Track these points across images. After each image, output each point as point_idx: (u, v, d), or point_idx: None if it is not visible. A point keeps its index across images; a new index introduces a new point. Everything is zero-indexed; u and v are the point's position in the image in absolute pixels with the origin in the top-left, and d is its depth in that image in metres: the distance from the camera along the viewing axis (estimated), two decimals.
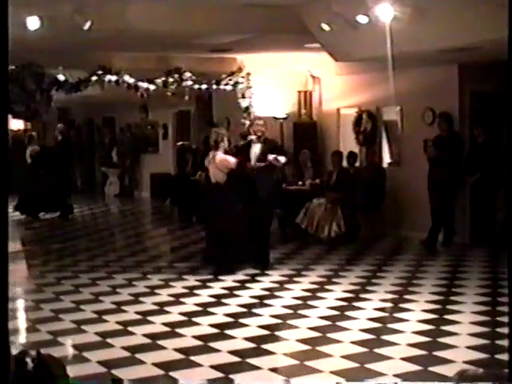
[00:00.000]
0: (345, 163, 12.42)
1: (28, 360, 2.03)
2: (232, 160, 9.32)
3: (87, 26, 8.68)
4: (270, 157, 9.52)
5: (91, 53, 11.72)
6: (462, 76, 11.08)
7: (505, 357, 5.81)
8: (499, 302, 7.61)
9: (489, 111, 11.23)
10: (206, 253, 9.94)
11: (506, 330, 6.55)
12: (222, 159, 9.31)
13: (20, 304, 8.29)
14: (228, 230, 9.21)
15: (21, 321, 7.37)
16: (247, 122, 13.19)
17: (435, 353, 5.98)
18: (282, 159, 9.60)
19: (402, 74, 10.84)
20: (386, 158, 12.67)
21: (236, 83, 13.11)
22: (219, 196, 9.27)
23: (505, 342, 6.19)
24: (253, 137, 9.93)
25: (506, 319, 6.92)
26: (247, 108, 13.35)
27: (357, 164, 12.57)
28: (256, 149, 9.80)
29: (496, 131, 11.19)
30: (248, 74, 13.12)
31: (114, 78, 12.07)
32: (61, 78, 11.82)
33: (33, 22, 8.82)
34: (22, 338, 6.79)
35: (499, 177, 10.83)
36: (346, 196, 11.61)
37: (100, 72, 11.98)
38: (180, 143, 18.26)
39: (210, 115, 16.48)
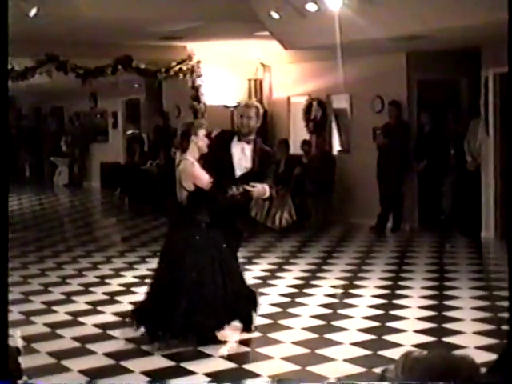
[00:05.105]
0: (299, 151, 12.46)
1: None
2: (204, 178, 5.96)
3: (33, 12, 8.53)
4: (252, 188, 6.20)
5: (39, 40, 11.51)
6: (409, 64, 11.22)
7: (451, 339, 5.95)
8: (446, 286, 7.78)
9: (435, 99, 11.41)
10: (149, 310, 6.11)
11: (452, 314, 6.70)
12: (188, 172, 5.96)
13: None
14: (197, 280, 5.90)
15: None
16: (201, 108, 13.04)
17: (384, 337, 6.08)
18: (267, 191, 6.36)
19: (351, 62, 10.92)
20: (336, 146, 12.77)
21: (186, 71, 13.05)
22: (185, 224, 6.08)
23: (451, 325, 6.34)
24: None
25: (452, 303, 7.08)
26: (197, 96, 13.32)
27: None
28: (242, 154, 6.37)
29: (442, 119, 11.39)
30: (198, 62, 13.07)
31: (61, 66, 11.94)
32: None
33: None
34: None
35: (445, 164, 11.05)
36: (294, 184, 11.67)
37: (47, 61, 11.81)
38: (130, 132, 18.11)
39: (160, 103, 16.37)
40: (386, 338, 6.06)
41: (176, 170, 6.10)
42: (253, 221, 11.45)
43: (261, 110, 6.50)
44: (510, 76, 2.88)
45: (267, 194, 6.31)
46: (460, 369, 1.60)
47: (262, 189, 6.21)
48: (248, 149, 6.34)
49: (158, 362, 5.61)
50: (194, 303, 5.83)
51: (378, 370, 5.24)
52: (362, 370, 5.35)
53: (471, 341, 5.88)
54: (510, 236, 9.31)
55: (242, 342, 6.06)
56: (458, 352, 2.17)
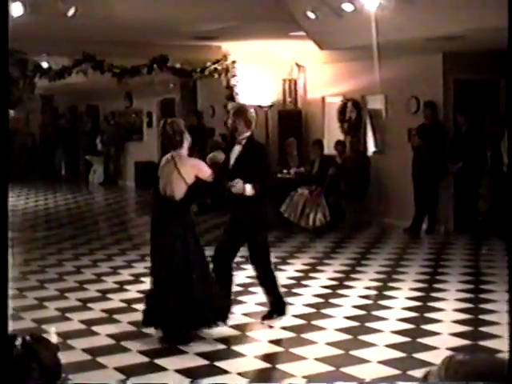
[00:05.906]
0: (333, 152, 12.41)
1: (17, 343, 2.02)
2: (206, 169, 6.15)
3: (71, 12, 8.63)
4: (235, 184, 6.24)
5: (76, 40, 11.64)
6: (446, 65, 11.12)
7: (487, 343, 5.89)
8: (482, 289, 7.69)
9: (472, 100, 11.28)
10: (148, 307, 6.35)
11: (488, 317, 6.63)
12: (192, 164, 6.16)
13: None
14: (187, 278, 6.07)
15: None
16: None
17: (419, 339, 6.03)
18: (248, 189, 6.26)
19: (386, 63, 10.85)
20: (371, 147, 12.70)
21: (221, 71, 13.10)
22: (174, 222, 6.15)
23: (487, 329, 6.27)
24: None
25: (488, 306, 7.00)
26: (231, 96, 13.36)
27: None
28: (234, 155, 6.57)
29: (479, 120, 11.25)
30: (233, 62, 13.12)
31: (97, 66, 12.06)
32: (44, 65, 11.78)
33: (16, 9, 8.75)
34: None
35: (482, 166, 10.92)
36: (329, 184, 11.64)
37: (84, 60, 11.95)
38: None
39: (195, 103, 16.43)
40: (421, 340, 6.01)
41: (166, 166, 6.25)
42: (287, 221, 11.48)
43: (240, 110, 6.60)
44: (510, 76, 2.82)
45: (247, 193, 6.26)
46: (506, 372, 1.58)
47: (240, 186, 6.23)
48: (238, 150, 6.51)
49: (191, 360, 5.64)
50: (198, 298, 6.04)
51: (412, 373, 5.21)
52: (397, 372, 5.32)
53: (508, 345, 5.79)
54: (510, 236, 9.15)
55: (275, 342, 6.06)
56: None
